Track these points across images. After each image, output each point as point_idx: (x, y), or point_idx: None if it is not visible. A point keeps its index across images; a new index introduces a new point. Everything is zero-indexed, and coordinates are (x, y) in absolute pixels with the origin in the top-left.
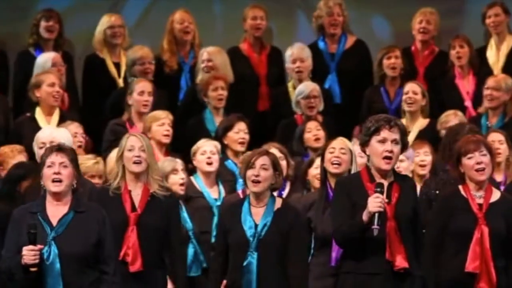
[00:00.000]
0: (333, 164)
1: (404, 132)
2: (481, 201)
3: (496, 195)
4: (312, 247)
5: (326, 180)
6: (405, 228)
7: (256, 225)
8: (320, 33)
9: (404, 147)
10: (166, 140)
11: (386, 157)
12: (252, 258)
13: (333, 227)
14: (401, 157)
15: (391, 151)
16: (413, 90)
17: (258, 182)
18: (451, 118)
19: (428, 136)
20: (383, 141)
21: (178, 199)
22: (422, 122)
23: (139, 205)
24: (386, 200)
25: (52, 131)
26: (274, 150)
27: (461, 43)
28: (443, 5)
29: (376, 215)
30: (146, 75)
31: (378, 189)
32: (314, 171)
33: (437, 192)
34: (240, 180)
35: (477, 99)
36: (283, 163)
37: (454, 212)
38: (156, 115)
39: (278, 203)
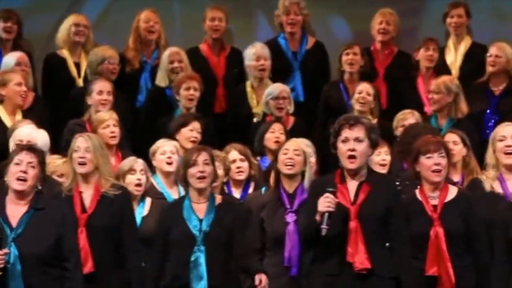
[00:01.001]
0: (286, 165)
1: (371, 129)
2: (436, 202)
3: (452, 193)
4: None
5: (279, 181)
6: (373, 228)
7: (200, 221)
8: (281, 31)
9: (374, 144)
10: (114, 142)
11: (350, 156)
12: (200, 252)
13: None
14: (386, 149)
15: (353, 150)
16: (366, 91)
17: (204, 178)
18: (408, 116)
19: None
20: (345, 140)
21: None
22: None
23: (89, 206)
24: (337, 200)
25: (31, 131)
26: (234, 151)
27: (434, 47)
28: (403, 5)
29: (326, 215)
30: (112, 75)
31: (330, 189)
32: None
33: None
34: None
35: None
36: (245, 164)
37: (411, 217)
38: (100, 118)
39: (218, 199)
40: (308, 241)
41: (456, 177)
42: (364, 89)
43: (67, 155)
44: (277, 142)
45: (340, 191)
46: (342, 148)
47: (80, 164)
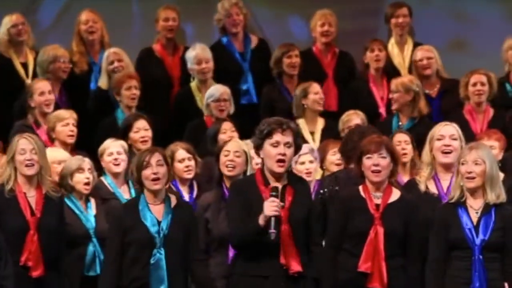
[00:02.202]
0: (227, 167)
1: (297, 134)
2: (379, 201)
3: (395, 195)
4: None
5: (222, 182)
6: (299, 231)
7: (159, 222)
8: (223, 34)
9: (297, 148)
10: (71, 140)
11: (279, 160)
12: (160, 254)
13: (230, 230)
14: (310, 158)
15: (284, 154)
16: (321, 91)
17: (158, 179)
18: (352, 117)
19: (329, 135)
20: (276, 144)
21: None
22: (322, 123)
23: (37, 208)
24: (282, 204)
25: None
26: (182, 150)
27: (380, 47)
28: (359, 5)
29: (273, 219)
30: (64, 74)
31: (274, 193)
32: None
33: (336, 188)
34: None
35: (390, 105)
36: (192, 163)
37: (352, 213)
38: (59, 115)
39: (173, 200)
40: (246, 244)
41: (406, 178)
42: (319, 90)
43: None
44: None
45: (265, 193)
46: (271, 152)
47: (27, 166)
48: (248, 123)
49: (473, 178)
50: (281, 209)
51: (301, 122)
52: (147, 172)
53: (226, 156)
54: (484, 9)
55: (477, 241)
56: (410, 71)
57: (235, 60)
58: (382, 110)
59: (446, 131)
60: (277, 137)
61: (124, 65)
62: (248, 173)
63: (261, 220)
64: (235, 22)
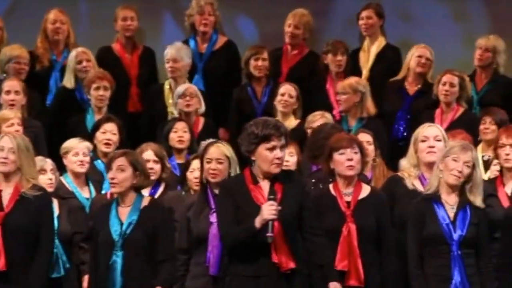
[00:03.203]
0: (210, 174)
1: (288, 135)
2: (349, 198)
3: (365, 191)
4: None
5: (207, 183)
6: (291, 227)
7: (121, 224)
8: (192, 32)
9: (285, 147)
10: None
11: (276, 163)
12: (117, 257)
13: (221, 231)
14: None
15: (280, 158)
16: (289, 92)
17: (115, 184)
18: (317, 118)
19: (297, 136)
20: (272, 148)
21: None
22: (293, 123)
23: (7, 205)
24: (280, 208)
25: None
26: (150, 151)
27: (342, 50)
28: (312, 6)
29: (270, 222)
30: (20, 75)
31: (272, 197)
32: (191, 175)
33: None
34: (107, 181)
35: None
36: (157, 166)
37: (323, 211)
38: (4, 116)
39: (146, 201)
40: (240, 245)
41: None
42: (286, 91)
43: None
44: (180, 141)
45: (254, 192)
46: (268, 156)
47: (1, 163)
48: (211, 123)
49: (459, 177)
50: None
51: None
52: (108, 175)
53: (208, 163)
54: (430, 9)
55: (455, 236)
56: (372, 72)
57: (192, 59)
58: (336, 112)
59: (430, 133)
60: (274, 142)
61: (91, 65)
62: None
63: (257, 223)
64: (206, 21)
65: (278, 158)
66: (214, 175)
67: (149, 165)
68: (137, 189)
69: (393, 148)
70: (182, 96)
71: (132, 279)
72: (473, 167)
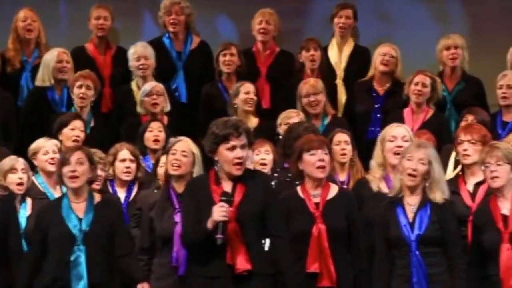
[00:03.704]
0: (172, 165)
1: (250, 134)
2: (318, 200)
3: (333, 191)
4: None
5: (169, 180)
6: (251, 228)
7: (80, 220)
8: (165, 31)
9: (250, 146)
10: None
11: (237, 164)
12: (80, 252)
13: (182, 230)
14: None
15: (241, 157)
16: (253, 91)
17: (76, 177)
18: (292, 115)
19: (262, 135)
20: (232, 148)
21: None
22: (254, 121)
23: None
24: (231, 209)
25: None
26: (125, 150)
27: (315, 46)
28: (285, 5)
29: (220, 224)
30: None
31: (224, 198)
32: (160, 170)
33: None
34: None
35: None
36: (133, 165)
37: (292, 214)
38: None
39: (97, 197)
40: (196, 246)
41: (343, 177)
42: (250, 89)
43: None
44: (156, 141)
45: (215, 192)
46: (229, 156)
47: None
48: (175, 122)
49: (414, 176)
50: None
51: None
52: (65, 170)
53: (173, 154)
54: (408, 9)
55: (413, 236)
56: (346, 72)
57: (170, 58)
58: None
59: (397, 133)
60: (233, 141)
61: (70, 66)
62: (194, 175)
63: (209, 224)
64: (174, 21)
65: (238, 158)
66: (176, 167)
67: (125, 164)
68: (89, 183)
69: (369, 149)
70: (149, 94)
71: (95, 274)
72: (429, 163)
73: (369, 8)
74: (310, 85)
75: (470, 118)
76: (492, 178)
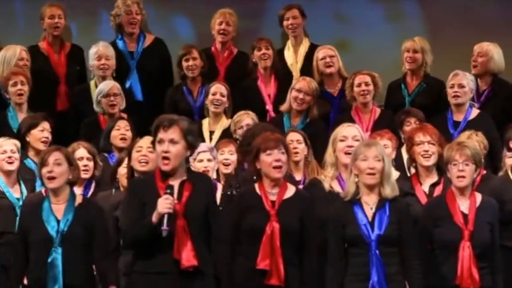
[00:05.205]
0: (140, 162)
1: (187, 132)
2: (274, 198)
3: (290, 191)
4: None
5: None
6: (197, 225)
7: (58, 221)
8: (118, 32)
9: (190, 146)
10: None
11: (163, 158)
12: (57, 254)
13: (122, 228)
14: (209, 156)
15: (166, 152)
16: (220, 92)
17: (53, 178)
18: (243, 117)
19: (231, 135)
20: (160, 142)
21: None
22: (225, 122)
23: None
24: (176, 201)
25: None
26: (82, 149)
27: (266, 45)
28: (242, 5)
29: (166, 216)
30: None
31: (168, 191)
32: (123, 170)
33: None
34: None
35: (278, 102)
36: (91, 163)
37: (247, 210)
38: None
39: (79, 199)
40: (139, 242)
41: (298, 176)
42: (218, 90)
43: None
44: (123, 139)
45: (161, 188)
46: (157, 149)
47: None
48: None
49: (374, 174)
50: (177, 203)
51: (205, 121)
52: (43, 171)
53: (138, 151)
54: (365, 10)
55: (373, 236)
56: (302, 73)
57: (124, 58)
58: (269, 107)
59: (348, 132)
60: (161, 134)
61: (29, 64)
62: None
63: (154, 217)
64: (133, 21)
65: (164, 152)
66: (144, 163)
67: (83, 162)
68: (70, 184)
69: None
70: (107, 95)
71: (73, 275)
72: (383, 160)
73: (326, 8)
74: (304, 82)
75: (412, 120)
76: (459, 177)
